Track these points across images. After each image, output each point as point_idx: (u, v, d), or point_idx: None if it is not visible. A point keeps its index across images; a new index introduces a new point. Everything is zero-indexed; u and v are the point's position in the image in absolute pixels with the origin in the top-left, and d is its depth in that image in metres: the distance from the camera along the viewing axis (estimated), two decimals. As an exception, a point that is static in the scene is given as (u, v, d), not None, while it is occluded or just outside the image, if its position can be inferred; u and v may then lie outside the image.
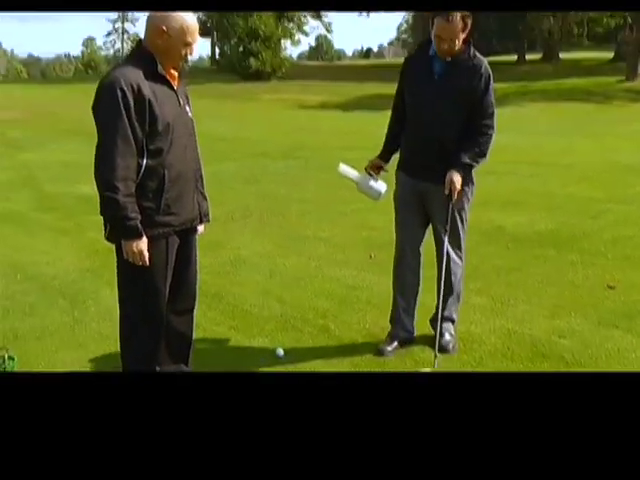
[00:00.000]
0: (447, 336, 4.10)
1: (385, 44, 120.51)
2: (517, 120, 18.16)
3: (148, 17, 3.02)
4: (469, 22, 3.71)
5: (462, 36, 3.73)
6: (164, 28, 2.94)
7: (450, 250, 3.98)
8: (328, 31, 59.24)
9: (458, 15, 3.64)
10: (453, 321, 4.20)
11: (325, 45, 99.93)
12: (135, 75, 2.90)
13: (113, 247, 3.13)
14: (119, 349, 3.32)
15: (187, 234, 3.25)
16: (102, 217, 3.06)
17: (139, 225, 2.94)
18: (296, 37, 53.66)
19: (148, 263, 3.01)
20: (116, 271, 3.21)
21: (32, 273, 5.56)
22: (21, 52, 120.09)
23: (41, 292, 5.12)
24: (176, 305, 3.34)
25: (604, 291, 5.07)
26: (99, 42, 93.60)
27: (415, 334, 4.21)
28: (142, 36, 3.07)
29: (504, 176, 9.55)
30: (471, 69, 3.80)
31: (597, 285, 5.19)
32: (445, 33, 3.69)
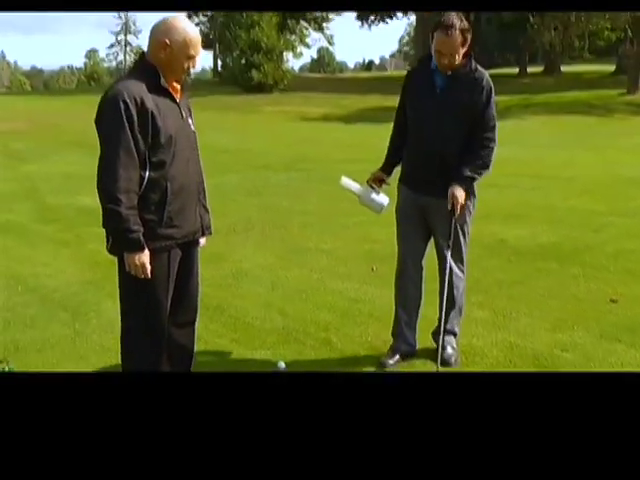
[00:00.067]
0: (449, 349, 4.09)
1: (387, 56, 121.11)
2: (519, 133, 18.18)
3: (151, 30, 3.03)
4: (469, 36, 3.72)
5: (462, 50, 3.73)
6: (167, 41, 2.95)
7: (452, 263, 3.98)
8: (330, 43, 59.54)
9: (457, 29, 3.65)
10: (455, 334, 4.19)
11: (327, 57, 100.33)
12: (138, 88, 2.90)
13: (114, 259, 3.13)
14: (120, 362, 3.31)
15: (189, 247, 3.25)
16: (104, 229, 3.06)
17: (141, 238, 2.93)
18: (298, 49, 53.93)
19: (150, 276, 3.01)
20: (117, 283, 3.20)
21: (33, 285, 5.55)
22: (25, 64, 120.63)
23: (42, 304, 5.12)
24: (177, 318, 3.33)
25: (607, 305, 5.05)
26: (102, 54, 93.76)
27: (417, 347, 4.19)
28: (145, 49, 3.08)
29: (506, 189, 9.55)
30: (473, 83, 3.81)
31: (600, 299, 5.18)
32: (445, 48, 3.69)
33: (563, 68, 41.84)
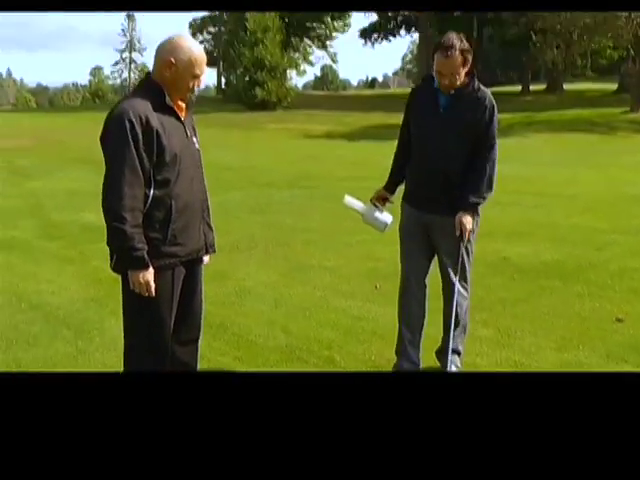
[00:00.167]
0: (453, 368, 4.07)
1: (390, 74, 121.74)
2: (521, 150, 18.22)
3: (157, 49, 3.05)
4: (469, 57, 3.73)
5: (463, 70, 3.75)
6: (172, 60, 2.98)
7: (456, 282, 3.97)
8: (333, 61, 60.00)
9: (457, 50, 3.67)
10: (459, 353, 4.17)
11: (330, 75, 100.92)
12: (143, 107, 2.92)
13: (118, 276, 3.13)
14: (123, 380, 3.30)
15: (193, 265, 3.25)
16: (109, 247, 3.07)
17: (146, 256, 2.94)
18: (302, 67, 54.43)
19: (154, 294, 3.01)
20: (121, 301, 3.20)
21: (36, 302, 5.55)
22: (30, 81, 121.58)
23: (45, 322, 5.11)
24: (181, 336, 3.32)
25: (612, 324, 5.03)
26: (106, 71, 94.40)
27: (421, 366, 4.17)
28: (149, 66, 3.10)
29: (508, 207, 9.55)
30: (475, 102, 3.82)
31: (605, 317, 5.16)
32: (445, 68, 3.72)
33: (565, 86, 42.00)
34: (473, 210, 3.85)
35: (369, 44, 52.59)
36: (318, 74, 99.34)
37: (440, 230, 3.92)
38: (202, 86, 3.22)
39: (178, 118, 3.07)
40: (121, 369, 3.30)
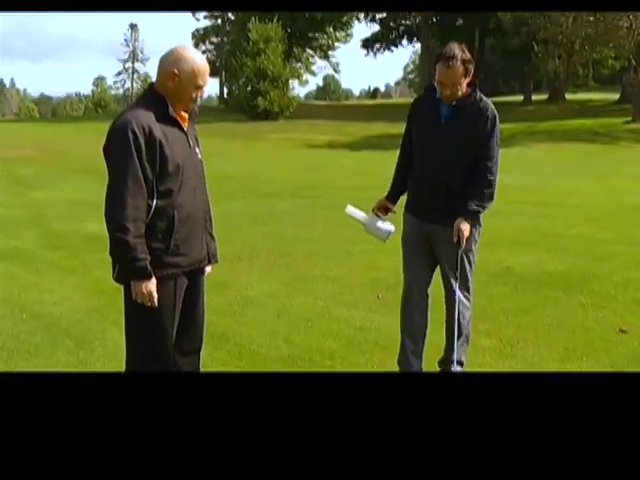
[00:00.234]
0: (456, 379, 4.05)
1: (392, 84, 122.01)
2: (523, 160, 18.23)
3: (160, 60, 3.06)
4: (470, 67, 3.73)
5: (464, 81, 3.75)
6: (175, 71, 2.98)
7: (458, 292, 3.96)
8: (335, 71, 60.21)
9: (459, 61, 3.67)
10: (462, 363, 4.15)
11: (332, 85, 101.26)
12: (146, 117, 2.93)
13: (119, 286, 3.12)
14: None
15: (195, 275, 3.24)
16: (111, 257, 3.06)
17: (149, 266, 2.94)
18: (304, 77, 54.59)
19: (157, 304, 3.00)
20: (123, 311, 3.19)
21: (38, 312, 5.54)
22: (33, 91, 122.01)
23: (47, 332, 5.10)
24: (183, 346, 3.31)
25: (616, 335, 5.01)
26: (109, 81, 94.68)
27: (424, 377, 4.16)
28: (152, 76, 3.12)
29: (511, 216, 9.54)
30: (477, 113, 3.83)
31: (608, 329, 5.13)
32: (446, 79, 3.72)
33: (567, 96, 42.09)
34: (472, 217, 3.83)
35: (371, 54, 52.80)
36: (320, 84, 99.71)
37: (442, 240, 3.91)
38: (205, 96, 3.23)
39: (181, 128, 3.08)
40: (123, 380, 3.29)
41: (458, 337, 4.03)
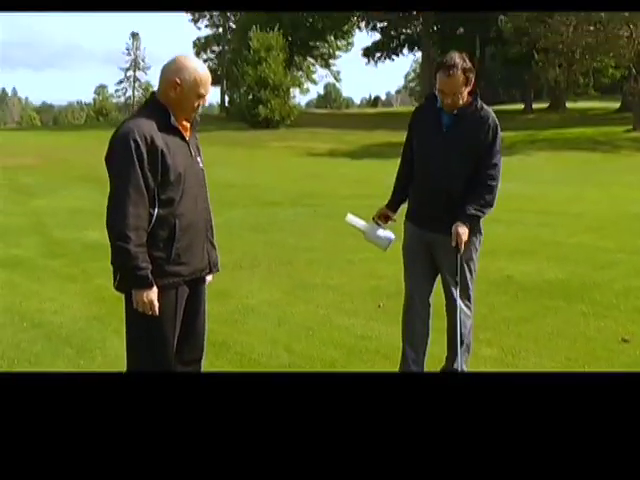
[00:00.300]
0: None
1: (393, 92, 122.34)
2: (524, 169, 18.26)
3: (162, 69, 3.07)
4: (471, 76, 3.74)
5: (465, 89, 3.76)
6: (177, 80, 2.99)
7: (459, 300, 3.95)
8: (336, 79, 60.33)
9: (459, 69, 3.68)
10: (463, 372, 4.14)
11: (333, 93, 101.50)
12: (148, 126, 2.93)
13: (120, 295, 3.12)
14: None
15: (196, 284, 3.24)
16: (112, 266, 3.06)
17: (150, 275, 2.93)
18: (305, 85, 54.72)
19: (158, 313, 3.00)
20: (124, 320, 3.19)
21: (39, 321, 5.53)
22: (35, 100, 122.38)
23: (47, 340, 5.09)
24: (184, 355, 3.31)
25: (618, 344, 4.99)
26: (111, 90, 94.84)
27: (425, 386, 4.15)
28: (153, 84, 3.12)
29: (512, 225, 9.55)
30: (478, 121, 3.83)
31: (610, 338, 5.12)
32: (447, 87, 3.73)
33: (568, 104, 42.18)
34: (471, 221, 3.82)
35: (372, 63, 52.92)
36: (321, 92, 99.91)
37: (443, 248, 3.91)
38: (206, 104, 3.23)
39: (183, 138, 3.08)
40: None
41: (460, 346, 4.03)
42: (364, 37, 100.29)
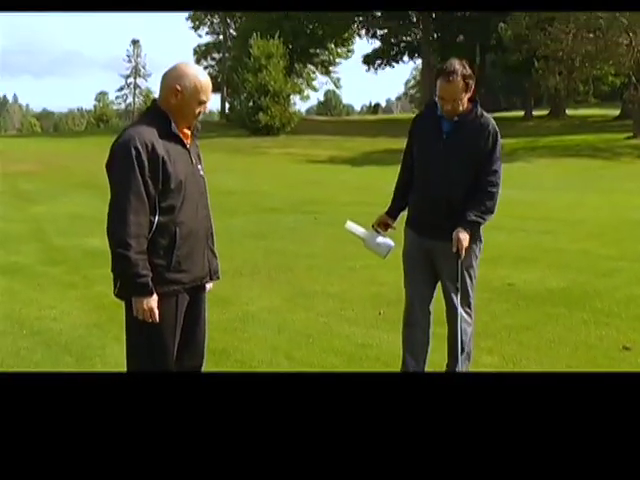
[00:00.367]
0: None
1: (393, 99, 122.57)
2: (525, 176, 18.27)
3: (163, 76, 3.07)
4: (471, 82, 3.75)
5: (465, 96, 3.76)
6: (178, 87, 2.99)
7: (460, 308, 3.94)
8: (336, 86, 60.48)
9: (459, 76, 3.69)
10: (465, 381, 4.13)
11: (334, 100, 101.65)
12: (149, 134, 2.93)
13: (120, 302, 3.11)
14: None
15: (197, 292, 3.23)
16: (112, 273, 3.05)
17: (150, 282, 2.92)
18: (305, 92, 54.83)
19: (158, 320, 2.98)
20: (124, 327, 3.17)
21: (38, 328, 5.51)
22: (36, 107, 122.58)
23: (47, 348, 5.07)
24: (184, 363, 3.29)
25: (619, 352, 4.97)
26: (111, 97, 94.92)
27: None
28: (154, 91, 3.12)
29: (513, 232, 9.53)
30: (479, 128, 3.83)
31: (611, 346, 5.09)
32: (447, 94, 3.73)
33: (568, 111, 42.25)
34: (471, 227, 3.82)
35: (372, 70, 53.02)
36: (321, 99, 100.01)
37: (443, 256, 3.90)
38: (207, 111, 3.23)
39: (183, 145, 3.08)
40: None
41: (460, 354, 4.01)
42: (364, 44, 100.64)
